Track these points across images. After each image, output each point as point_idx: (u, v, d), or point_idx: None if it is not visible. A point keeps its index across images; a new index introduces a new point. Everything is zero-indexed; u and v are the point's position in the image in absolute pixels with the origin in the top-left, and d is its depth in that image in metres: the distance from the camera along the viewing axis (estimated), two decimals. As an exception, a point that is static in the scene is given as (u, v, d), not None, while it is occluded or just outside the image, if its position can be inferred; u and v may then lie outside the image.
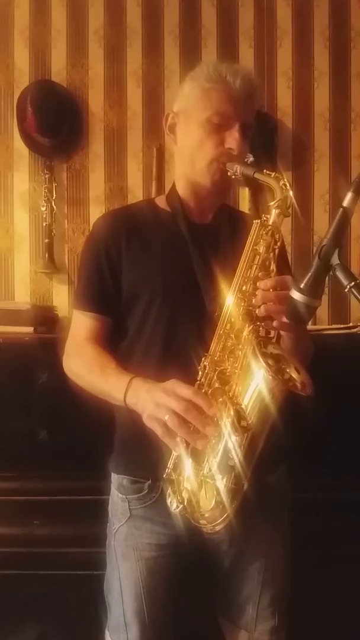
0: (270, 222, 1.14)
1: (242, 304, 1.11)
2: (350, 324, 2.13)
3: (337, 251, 0.92)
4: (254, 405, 1.03)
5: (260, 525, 1.24)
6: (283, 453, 1.26)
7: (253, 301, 1.09)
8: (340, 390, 1.69)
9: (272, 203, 1.14)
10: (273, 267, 1.13)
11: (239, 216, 1.39)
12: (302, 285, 0.94)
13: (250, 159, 1.48)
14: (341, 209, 0.92)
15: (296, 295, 0.94)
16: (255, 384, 1.02)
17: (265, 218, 1.15)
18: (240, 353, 1.09)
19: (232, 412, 1.03)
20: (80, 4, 2.39)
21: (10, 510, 1.66)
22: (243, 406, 1.04)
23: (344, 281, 0.90)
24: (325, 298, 2.37)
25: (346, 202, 0.91)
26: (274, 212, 1.14)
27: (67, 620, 1.63)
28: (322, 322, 2.36)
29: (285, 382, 1.03)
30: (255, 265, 1.14)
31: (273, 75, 2.45)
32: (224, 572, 1.28)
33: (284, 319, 1.04)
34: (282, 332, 1.12)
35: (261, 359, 1.01)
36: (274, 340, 1.10)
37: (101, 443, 1.33)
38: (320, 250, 0.93)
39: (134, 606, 1.22)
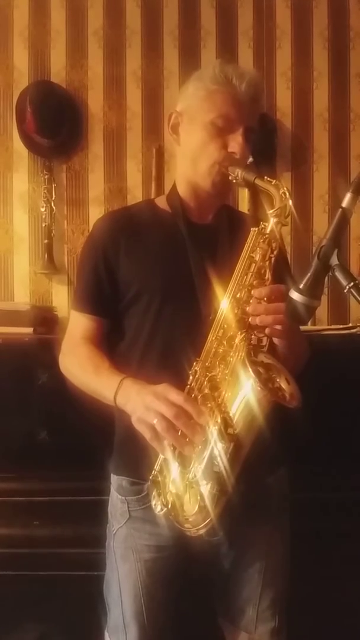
0: (268, 231, 1.14)
1: (236, 311, 1.12)
2: (350, 325, 2.13)
3: (336, 251, 0.92)
4: (242, 414, 1.03)
5: (261, 527, 1.24)
6: (282, 455, 1.26)
7: (247, 309, 1.10)
8: (340, 390, 1.70)
9: (271, 211, 1.13)
10: (269, 275, 1.13)
11: (239, 217, 1.39)
12: (301, 286, 0.94)
13: (250, 159, 1.48)
14: (340, 210, 0.92)
15: (295, 295, 0.94)
16: (244, 393, 1.03)
17: (263, 226, 1.15)
18: (231, 360, 1.09)
19: (219, 420, 1.04)
20: (80, 5, 2.39)
21: (10, 510, 1.65)
22: (231, 414, 1.05)
23: (343, 282, 0.90)
24: (324, 298, 2.37)
25: (345, 203, 0.91)
26: (272, 221, 1.13)
27: (66, 621, 1.63)
28: (322, 323, 2.36)
29: (274, 391, 1.04)
30: (250, 273, 1.14)
31: (272, 75, 2.45)
32: (224, 573, 1.28)
33: (277, 327, 1.06)
34: (274, 340, 1.13)
35: (250, 369, 1.02)
36: (265, 348, 1.10)
37: (101, 444, 1.33)
38: (320, 250, 0.93)
39: (133, 607, 1.22)
